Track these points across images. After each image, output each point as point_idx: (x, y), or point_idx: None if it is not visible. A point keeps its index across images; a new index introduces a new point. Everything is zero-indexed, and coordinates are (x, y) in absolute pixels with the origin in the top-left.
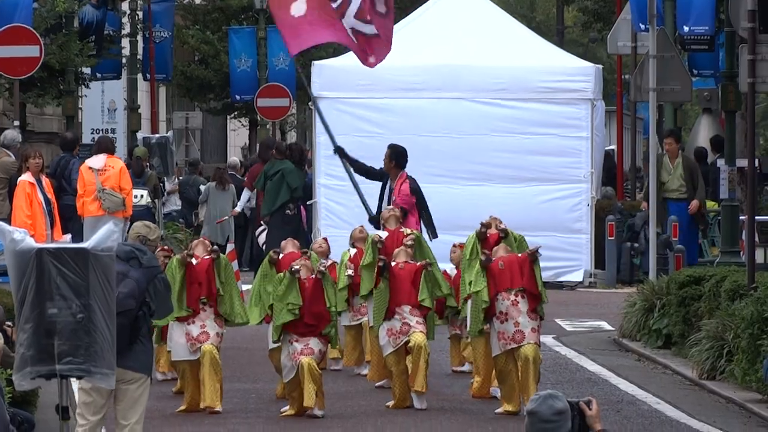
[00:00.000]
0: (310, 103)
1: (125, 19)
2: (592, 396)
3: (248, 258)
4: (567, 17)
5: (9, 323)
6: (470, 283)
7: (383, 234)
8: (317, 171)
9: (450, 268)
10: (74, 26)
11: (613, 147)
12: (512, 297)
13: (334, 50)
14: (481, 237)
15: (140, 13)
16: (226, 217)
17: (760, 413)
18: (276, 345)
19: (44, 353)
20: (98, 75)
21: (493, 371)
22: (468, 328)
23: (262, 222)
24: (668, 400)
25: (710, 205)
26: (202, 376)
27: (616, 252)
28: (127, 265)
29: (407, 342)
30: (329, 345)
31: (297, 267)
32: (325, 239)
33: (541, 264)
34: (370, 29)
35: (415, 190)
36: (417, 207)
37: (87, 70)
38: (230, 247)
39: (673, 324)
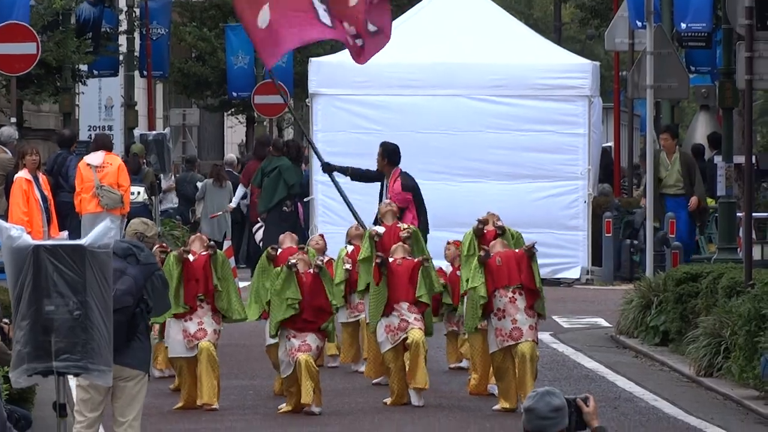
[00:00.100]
0: (307, 100)
1: (122, 16)
2: (589, 393)
3: (245, 255)
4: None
5: (6, 320)
6: (467, 280)
7: (381, 229)
8: (314, 168)
9: (445, 265)
10: (71, 23)
11: (610, 144)
12: (510, 294)
13: (331, 47)
14: (478, 234)
15: (137, 10)
16: (220, 213)
17: (757, 410)
18: (273, 341)
19: (41, 350)
20: (95, 72)
21: (491, 368)
22: (465, 326)
23: (259, 219)
24: (666, 397)
25: (708, 202)
26: (199, 373)
27: (612, 249)
28: (124, 262)
29: (405, 339)
30: (326, 340)
31: (294, 261)
32: (322, 236)
33: (538, 261)
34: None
35: (409, 186)
36: (414, 203)
37: (84, 67)
38: (227, 243)
39: (671, 321)
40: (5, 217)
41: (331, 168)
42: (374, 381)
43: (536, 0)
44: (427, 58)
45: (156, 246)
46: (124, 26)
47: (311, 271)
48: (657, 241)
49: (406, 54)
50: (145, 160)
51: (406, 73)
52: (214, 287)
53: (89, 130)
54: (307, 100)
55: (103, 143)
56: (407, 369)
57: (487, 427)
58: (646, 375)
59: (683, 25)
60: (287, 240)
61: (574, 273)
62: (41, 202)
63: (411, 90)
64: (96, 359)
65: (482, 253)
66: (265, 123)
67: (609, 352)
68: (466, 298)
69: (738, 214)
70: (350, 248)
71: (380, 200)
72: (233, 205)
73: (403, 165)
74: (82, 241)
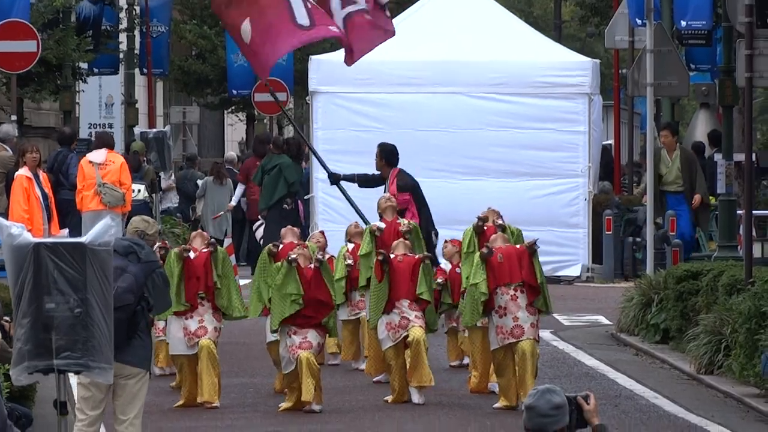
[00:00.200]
0: (307, 98)
1: (122, 14)
2: (589, 390)
3: (245, 252)
4: (564, 12)
5: (7, 318)
6: (467, 277)
7: (381, 224)
8: (314, 165)
9: (444, 263)
10: (71, 21)
11: (611, 141)
12: (511, 291)
13: (331, 45)
14: (478, 231)
15: (137, 8)
16: (222, 213)
17: (757, 407)
18: (274, 338)
19: (42, 348)
20: (95, 70)
21: (491, 366)
22: (462, 319)
23: (259, 217)
24: (666, 395)
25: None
26: (199, 370)
27: (613, 246)
28: (125, 260)
29: (406, 336)
30: (327, 336)
31: (294, 256)
32: (322, 233)
33: (539, 258)
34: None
35: (407, 186)
36: (414, 201)
37: (84, 65)
38: (227, 241)
39: (671, 318)
40: (6, 215)
41: (338, 178)
42: (375, 379)
43: None
44: (428, 55)
45: (158, 243)
46: (124, 24)
47: (312, 266)
48: (658, 238)
49: (406, 52)
50: (145, 158)
51: (407, 70)
52: (213, 284)
53: (89, 128)
54: (307, 98)
55: (105, 141)
56: (408, 367)
57: (487, 425)
58: (647, 373)
59: (683, 23)
60: (289, 234)
61: (574, 271)
62: (42, 200)
63: (411, 88)
64: (97, 357)
65: (485, 249)
66: (265, 121)
67: (609, 350)
68: (465, 293)
69: (738, 211)
70: (350, 246)
71: None
72: (233, 203)
73: (403, 163)
74: (83, 239)
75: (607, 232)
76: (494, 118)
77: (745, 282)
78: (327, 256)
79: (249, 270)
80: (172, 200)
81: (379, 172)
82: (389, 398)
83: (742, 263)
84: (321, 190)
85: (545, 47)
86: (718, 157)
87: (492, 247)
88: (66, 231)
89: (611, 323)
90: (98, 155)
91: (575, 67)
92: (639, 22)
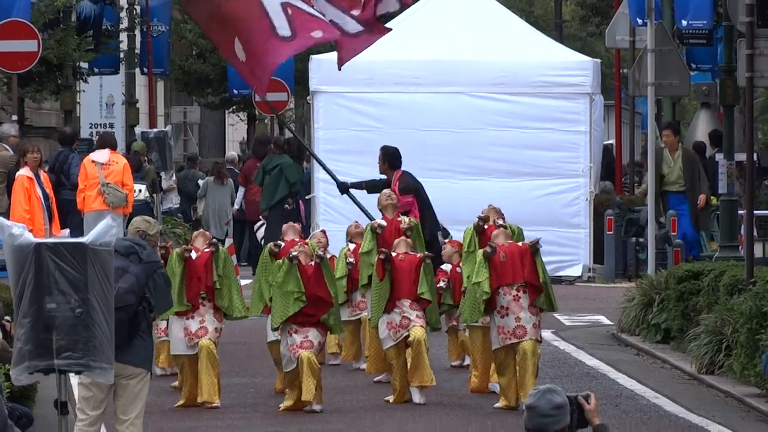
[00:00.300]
0: (308, 98)
1: (123, 14)
2: (590, 390)
3: (246, 253)
4: (565, 11)
5: (8, 318)
6: (469, 276)
7: (383, 222)
8: (315, 165)
9: (444, 264)
10: (72, 21)
11: (612, 141)
12: (514, 292)
13: (331, 45)
14: (479, 230)
15: (138, 8)
16: (229, 219)
17: (758, 407)
18: (275, 337)
19: (42, 348)
20: (96, 70)
21: (492, 366)
22: (462, 317)
23: (261, 217)
24: (667, 395)
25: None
26: (199, 371)
27: (614, 246)
28: (126, 260)
29: (407, 336)
30: (328, 333)
31: (295, 254)
32: (324, 232)
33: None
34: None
35: (408, 188)
36: (417, 202)
37: (85, 65)
38: (229, 241)
39: (672, 318)
40: (7, 215)
41: (347, 186)
42: (375, 378)
43: None
44: (428, 55)
45: (162, 244)
46: (124, 24)
47: (312, 263)
48: (659, 239)
49: (407, 51)
50: (146, 158)
51: (407, 70)
52: (213, 284)
53: (90, 127)
54: (308, 98)
55: (108, 142)
56: (409, 367)
57: (488, 425)
58: (648, 373)
59: (684, 23)
60: (290, 231)
61: (575, 271)
62: (43, 200)
63: (412, 87)
64: (97, 357)
65: (488, 248)
66: (266, 120)
67: (610, 350)
68: (466, 291)
69: (739, 211)
70: (351, 246)
71: None
72: (236, 206)
73: (404, 162)
74: (84, 239)
75: (608, 232)
76: (495, 118)
77: (746, 282)
78: (328, 256)
79: (250, 270)
80: (173, 200)
81: (384, 177)
82: (390, 398)
83: (744, 263)
84: (322, 190)
85: (546, 47)
86: (719, 156)
87: (495, 245)
88: (67, 231)
89: (612, 323)
90: (101, 155)
91: (576, 67)
92: (640, 21)
